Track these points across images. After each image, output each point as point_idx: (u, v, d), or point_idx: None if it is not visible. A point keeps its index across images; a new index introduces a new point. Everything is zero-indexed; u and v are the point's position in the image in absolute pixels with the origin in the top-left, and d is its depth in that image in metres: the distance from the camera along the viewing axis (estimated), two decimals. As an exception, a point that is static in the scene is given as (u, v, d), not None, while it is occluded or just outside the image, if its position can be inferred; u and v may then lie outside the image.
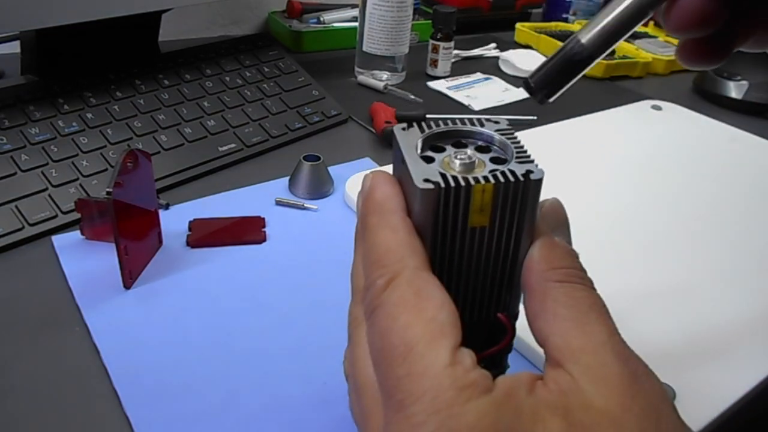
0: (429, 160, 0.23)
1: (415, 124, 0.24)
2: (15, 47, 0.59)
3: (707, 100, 0.79)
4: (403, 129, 0.24)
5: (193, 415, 0.31)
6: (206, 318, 0.37)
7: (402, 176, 0.23)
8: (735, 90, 0.77)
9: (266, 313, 0.38)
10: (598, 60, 0.24)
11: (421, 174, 0.21)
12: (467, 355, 0.20)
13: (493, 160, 0.23)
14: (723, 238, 0.48)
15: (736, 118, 0.72)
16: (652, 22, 1.05)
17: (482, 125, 0.25)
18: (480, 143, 0.24)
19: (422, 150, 0.23)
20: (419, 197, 0.21)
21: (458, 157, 0.23)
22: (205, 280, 0.40)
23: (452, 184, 0.21)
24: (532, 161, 0.22)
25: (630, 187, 0.55)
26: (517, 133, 0.24)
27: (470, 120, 0.25)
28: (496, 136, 0.24)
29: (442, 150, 0.24)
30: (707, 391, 0.34)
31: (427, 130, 0.24)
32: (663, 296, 0.41)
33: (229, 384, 0.33)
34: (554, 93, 0.25)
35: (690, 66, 0.26)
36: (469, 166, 0.22)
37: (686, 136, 0.66)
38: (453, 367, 0.19)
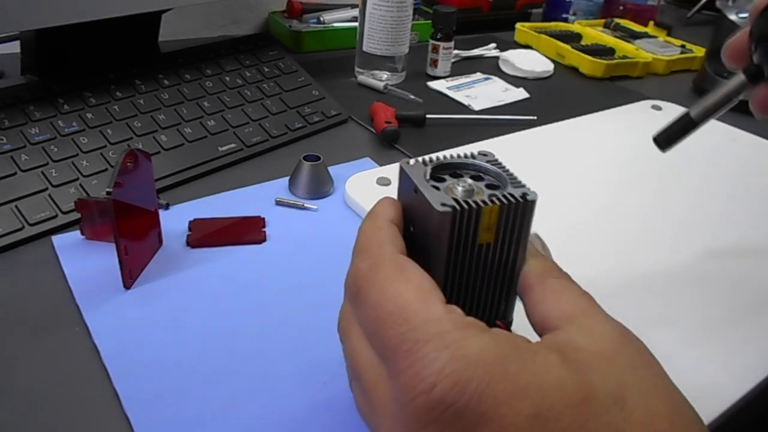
0: (435, 189, 0.26)
1: (417, 159, 0.28)
2: (15, 47, 0.59)
3: (707, 100, 0.79)
4: (408, 163, 0.27)
5: (193, 415, 0.31)
6: (206, 318, 0.37)
7: (412, 203, 0.26)
8: (735, 90, 0.77)
9: (266, 313, 0.38)
10: (702, 124, 0.36)
11: (438, 200, 0.24)
12: (457, 308, 0.23)
13: (488, 187, 0.27)
14: (723, 237, 0.48)
15: (736, 118, 0.72)
16: (652, 22, 1.05)
17: (474, 158, 0.28)
18: (473, 173, 0.28)
19: (428, 181, 0.27)
20: (437, 219, 0.24)
21: (460, 185, 0.26)
22: (205, 280, 0.40)
23: (465, 207, 0.24)
24: (525, 185, 0.26)
25: (630, 186, 0.55)
26: (504, 162, 0.28)
27: (464, 154, 0.29)
28: (490, 166, 0.28)
29: (442, 180, 0.27)
30: (707, 392, 0.34)
31: (429, 163, 0.27)
32: (662, 295, 0.41)
33: (229, 384, 0.33)
34: (672, 146, 0.37)
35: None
36: (470, 193, 0.26)
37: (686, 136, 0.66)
38: (450, 314, 0.22)
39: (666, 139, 0.37)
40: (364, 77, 0.75)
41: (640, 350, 0.23)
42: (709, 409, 0.33)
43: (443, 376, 0.20)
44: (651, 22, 1.05)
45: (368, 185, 0.50)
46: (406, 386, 0.21)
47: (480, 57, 0.89)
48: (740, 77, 0.34)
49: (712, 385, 0.34)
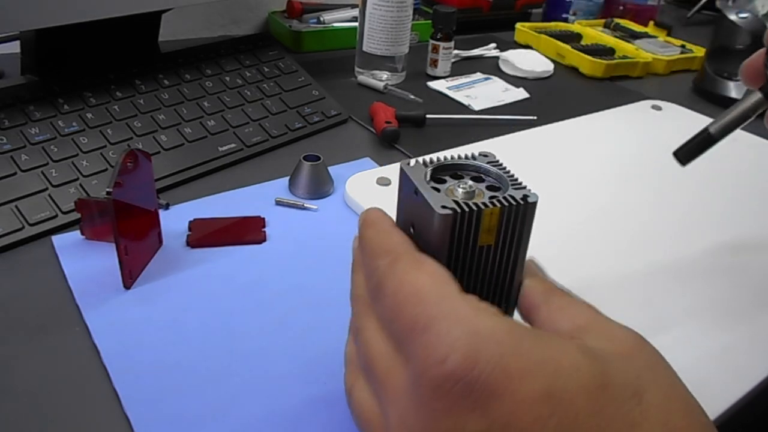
0: (436, 190, 0.26)
1: (418, 160, 0.27)
2: (15, 47, 0.59)
3: (707, 100, 0.79)
4: (408, 164, 0.27)
5: (193, 416, 0.31)
6: (206, 318, 0.37)
7: (413, 204, 0.26)
8: (735, 90, 0.77)
9: (266, 313, 0.38)
10: (720, 140, 0.38)
11: (438, 202, 0.24)
12: (472, 295, 0.23)
13: (488, 188, 0.27)
14: (723, 237, 0.48)
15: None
16: (652, 22, 1.05)
17: (475, 159, 0.28)
18: (473, 174, 0.28)
19: (428, 182, 0.27)
20: (438, 221, 0.24)
21: (461, 186, 0.26)
22: (205, 280, 0.40)
23: (466, 209, 0.24)
24: (525, 187, 0.26)
25: (630, 186, 0.55)
26: (504, 163, 0.28)
27: (464, 155, 0.28)
28: (491, 168, 0.28)
29: (443, 181, 0.27)
30: (707, 391, 0.34)
31: (430, 164, 0.27)
32: (661, 295, 0.41)
33: (229, 384, 0.33)
34: (691, 160, 0.39)
35: None
36: (470, 194, 0.26)
37: (686, 136, 0.66)
38: (465, 297, 0.22)
39: (685, 154, 0.39)
40: (364, 77, 0.75)
41: (655, 354, 0.23)
42: (709, 409, 0.32)
43: (454, 350, 0.20)
44: (651, 22, 1.05)
45: (368, 185, 0.50)
46: (418, 361, 0.21)
47: (480, 57, 0.89)
48: (757, 95, 0.37)
49: (712, 385, 0.34)
